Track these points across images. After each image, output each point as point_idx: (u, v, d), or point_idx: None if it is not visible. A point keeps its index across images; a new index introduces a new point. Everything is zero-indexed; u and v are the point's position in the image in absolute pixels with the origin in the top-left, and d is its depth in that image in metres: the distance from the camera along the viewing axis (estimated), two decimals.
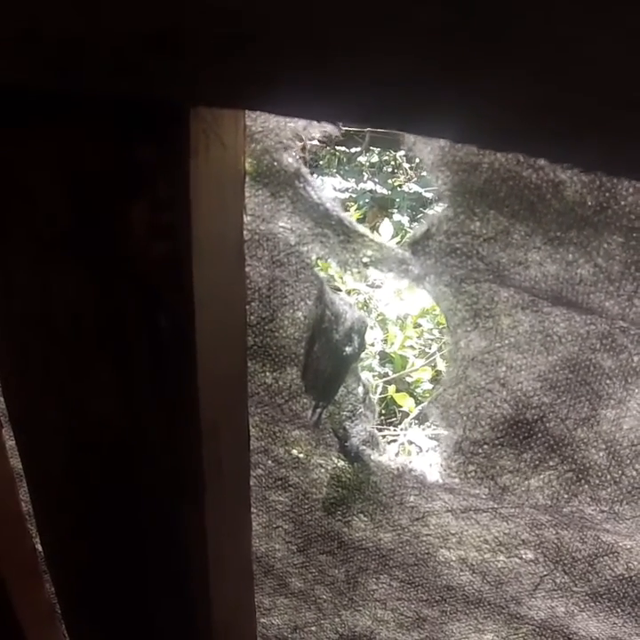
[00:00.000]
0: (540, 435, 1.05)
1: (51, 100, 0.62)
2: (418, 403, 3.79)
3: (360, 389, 1.15)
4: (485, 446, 1.07)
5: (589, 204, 0.88)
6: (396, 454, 3.23)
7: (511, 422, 1.05)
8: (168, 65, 0.52)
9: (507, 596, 1.24)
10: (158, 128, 0.63)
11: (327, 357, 1.09)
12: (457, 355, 1.04)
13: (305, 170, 1.00)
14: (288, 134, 0.97)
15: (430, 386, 3.93)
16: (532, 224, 0.91)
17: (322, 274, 1.32)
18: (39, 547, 1.36)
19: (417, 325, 4.16)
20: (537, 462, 1.07)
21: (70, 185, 0.68)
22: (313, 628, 1.41)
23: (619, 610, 1.20)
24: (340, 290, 3.79)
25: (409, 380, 3.98)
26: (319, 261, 1.07)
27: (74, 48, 0.53)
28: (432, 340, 4.16)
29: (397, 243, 4.04)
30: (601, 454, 1.05)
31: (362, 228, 1.01)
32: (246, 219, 0.98)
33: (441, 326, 4.22)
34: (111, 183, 0.67)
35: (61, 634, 1.52)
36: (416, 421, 3.64)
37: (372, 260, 1.00)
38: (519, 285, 0.95)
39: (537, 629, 1.26)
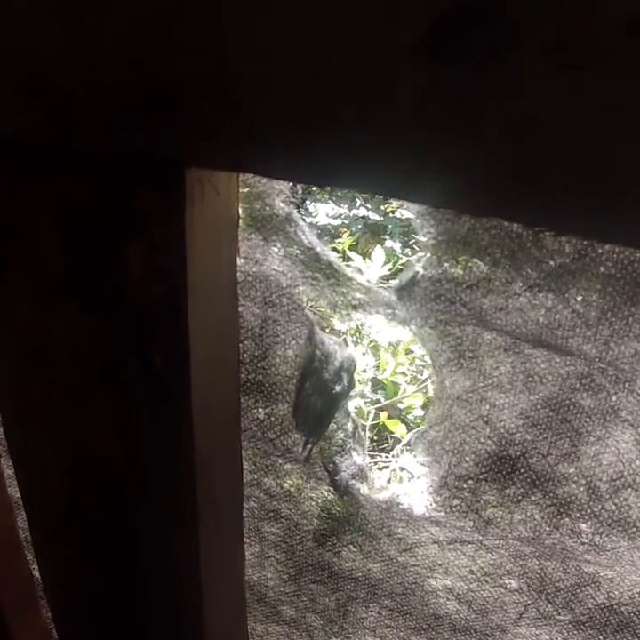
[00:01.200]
0: (522, 470, 1.08)
1: (50, 147, 0.65)
2: (409, 429, 3.76)
3: (350, 425, 1.18)
4: (470, 481, 1.10)
5: (568, 251, 0.91)
6: (388, 481, 3.23)
7: (495, 458, 1.08)
8: (162, 126, 0.54)
9: (492, 625, 1.27)
10: (156, 177, 0.65)
11: (317, 395, 1.12)
12: (442, 393, 1.07)
13: (296, 214, 1.03)
14: (280, 181, 1.01)
15: (422, 412, 3.90)
16: (513, 271, 0.94)
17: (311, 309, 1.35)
18: (36, 573, 1.38)
19: (409, 352, 4.13)
20: (520, 496, 1.10)
21: (69, 227, 0.70)
22: None
23: (601, 637, 1.23)
24: (332, 316, 3.79)
25: (401, 406, 3.96)
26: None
27: (72, 106, 0.55)
28: (424, 366, 4.14)
29: (389, 269, 4.05)
30: (581, 489, 1.08)
31: (351, 272, 1.05)
32: (240, 261, 1.01)
33: None
34: (109, 227, 0.68)
35: None
36: (408, 448, 3.63)
37: (360, 303, 1.04)
38: (501, 329, 0.98)
39: None
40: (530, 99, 0.43)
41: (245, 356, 1.12)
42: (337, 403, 1.13)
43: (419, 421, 3.89)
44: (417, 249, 5.03)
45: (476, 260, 0.94)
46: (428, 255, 0.95)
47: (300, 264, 1.04)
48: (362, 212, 5.42)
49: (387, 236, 5.17)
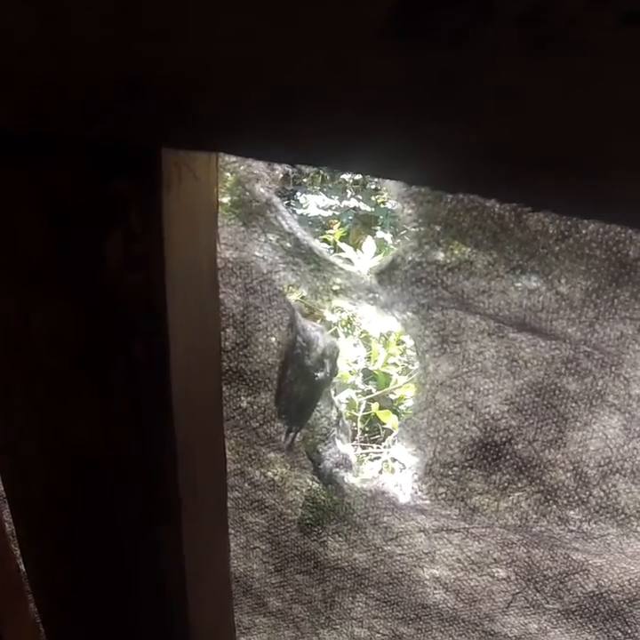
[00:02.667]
0: (508, 457, 1.07)
1: (25, 135, 0.64)
2: (401, 420, 3.78)
3: (333, 413, 1.17)
4: (455, 468, 1.09)
5: (551, 232, 0.90)
6: (380, 472, 3.23)
7: (480, 445, 1.07)
8: (134, 110, 0.53)
9: (480, 614, 1.26)
10: (131, 162, 0.64)
11: (299, 382, 1.11)
12: (426, 379, 1.06)
13: (276, 199, 1.02)
14: (260, 165, 0.99)
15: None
16: (495, 253, 0.93)
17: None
18: (22, 567, 1.37)
19: (400, 342, 4.13)
20: (506, 484, 1.09)
21: (48, 216, 0.69)
22: None
23: (590, 626, 1.22)
24: (323, 307, 3.79)
25: (392, 397, 3.97)
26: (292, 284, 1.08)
27: (45, 93, 0.54)
28: (415, 357, 4.13)
29: (380, 261, 4.05)
30: (568, 475, 1.07)
31: (331, 257, 1.03)
32: (220, 248, 1.00)
33: None
34: (86, 215, 0.68)
35: None
36: (399, 438, 3.62)
37: (341, 288, 1.02)
38: (484, 312, 0.97)
39: None
40: (504, 74, 0.42)
41: (227, 343, 1.10)
42: (319, 390, 1.12)
43: (410, 412, 3.88)
44: (408, 239, 5.01)
45: (457, 242, 0.93)
46: (408, 238, 0.94)
47: (280, 250, 1.03)
48: (352, 203, 5.43)
49: (378, 227, 5.17)
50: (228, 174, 0.99)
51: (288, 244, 1.02)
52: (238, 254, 1.04)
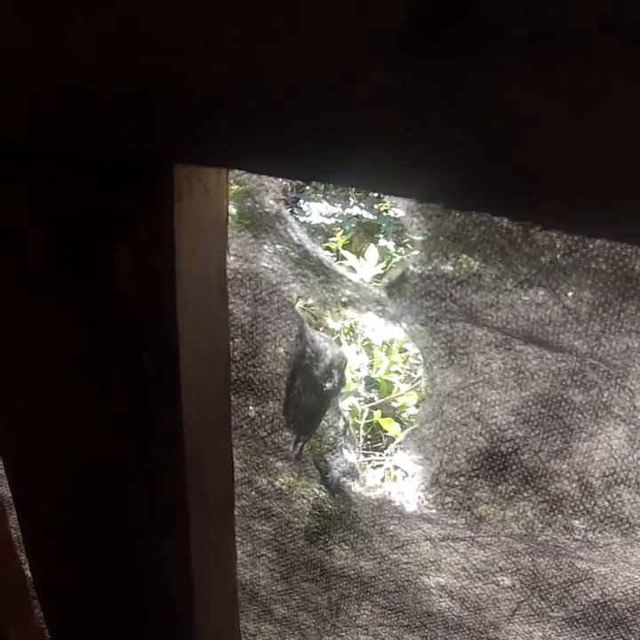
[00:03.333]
0: (514, 467, 1.08)
1: (33, 148, 0.64)
2: (403, 428, 3.75)
3: (340, 422, 1.18)
4: (461, 478, 1.10)
5: (558, 247, 0.91)
6: (382, 479, 3.24)
7: (486, 455, 1.08)
8: (139, 126, 0.54)
9: (485, 622, 1.27)
10: (142, 175, 0.64)
11: (308, 393, 1.11)
12: (433, 390, 1.07)
13: (286, 211, 1.03)
14: (270, 177, 1.00)
15: (416, 411, 3.90)
16: (503, 267, 0.93)
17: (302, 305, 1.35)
18: (28, 572, 1.38)
19: (403, 350, 4.13)
20: (512, 493, 1.10)
21: (55, 227, 0.69)
22: None
23: (594, 634, 1.23)
24: (326, 315, 3.79)
25: (394, 405, 3.96)
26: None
27: (51, 107, 0.55)
28: (417, 365, 4.13)
29: (383, 268, 4.04)
30: (574, 485, 1.08)
31: (341, 269, 1.04)
32: (229, 259, 1.00)
33: None
34: (95, 227, 0.68)
35: None
36: (401, 446, 3.62)
37: (350, 300, 1.03)
38: (492, 325, 0.98)
39: None
40: (509, 94, 0.42)
41: (236, 354, 1.11)
42: (327, 400, 1.13)
43: (412, 420, 3.89)
44: (411, 248, 5.03)
45: (465, 256, 0.94)
46: (418, 251, 0.95)
47: (289, 261, 1.04)
48: (355, 211, 5.42)
49: (380, 235, 5.17)
50: (238, 186, 1.00)
51: (297, 256, 1.03)
52: (248, 265, 1.05)
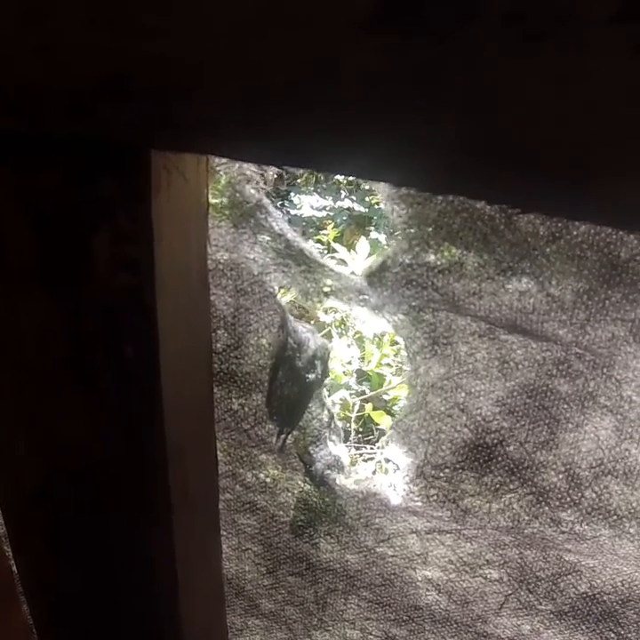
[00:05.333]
0: (500, 458, 1.07)
1: (11, 134, 0.63)
2: (394, 421, 3.75)
3: (325, 414, 1.17)
4: (447, 470, 1.09)
5: (542, 234, 0.90)
6: (373, 472, 3.23)
7: (471, 447, 1.07)
8: (118, 111, 0.53)
9: (473, 615, 1.26)
10: (120, 163, 0.64)
11: (291, 384, 1.10)
12: (416, 381, 1.06)
13: (266, 201, 1.02)
14: (251, 166, 0.99)
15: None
16: (486, 255, 0.92)
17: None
18: (15, 568, 1.37)
19: (394, 343, 4.14)
20: (497, 485, 1.09)
21: (32, 217, 0.69)
22: None
23: (583, 627, 1.22)
24: (317, 308, 3.79)
25: (386, 397, 3.97)
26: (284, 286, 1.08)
27: (29, 92, 0.54)
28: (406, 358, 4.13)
29: (371, 262, 4.06)
30: (560, 477, 1.07)
31: (322, 259, 1.03)
32: (210, 249, 0.99)
33: None
34: (73, 216, 0.68)
35: None
36: (392, 440, 3.61)
37: (332, 290, 1.02)
38: (475, 314, 0.97)
39: None
40: (489, 72, 0.42)
41: (218, 345, 1.10)
42: (311, 391, 1.12)
43: (402, 414, 3.88)
44: (398, 241, 5.01)
45: (447, 243, 0.92)
46: (398, 240, 0.94)
47: (271, 251, 1.02)
48: (346, 203, 5.44)
49: (372, 228, 5.18)
50: (219, 176, 0.99)
51: (279, 246, 1.02)
52: (229, 256, 1.04)
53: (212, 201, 0.98)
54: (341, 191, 5.62)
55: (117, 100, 0.52)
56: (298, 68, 0.45)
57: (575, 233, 0.89)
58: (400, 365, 4.11)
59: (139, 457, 0.84)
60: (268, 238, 1.02)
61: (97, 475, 0.88)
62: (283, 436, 1.15)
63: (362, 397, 3.93)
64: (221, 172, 0.99)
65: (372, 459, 3.48)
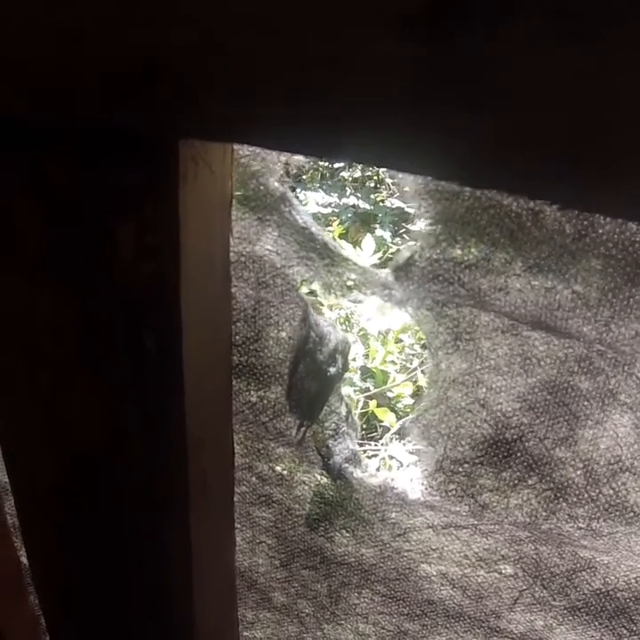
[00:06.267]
0: (519, 454, 1.07)
1: (36, 124, 0.63)
2: (399, 418, 3.77)
3: (343, 408, 1.17)
4: (466, 465, 1.09)
5: (568, 231, 0.90)
6: (377, 469, 3.23)
7: (491, 442, 1.07)
8: (149, 99, 0.53)
9: (486, 610, 1.26)
10: (147, 154, 0.64)
11: (311, 377, 1.11)
12: (438, 376, 1.06)
13: (290, 194, 1.02)
14: (275, 159, 0.99)
15: (411, 401, 3.91)
16: (512, 251, 0.92)
17: (304, 290, 1.34)
18: (24, 559, 1.37)
19: (398, 341, 4.14)
20: (516, 481, 1.09)
21: (55, 208, 0.69)
22: None
23: (596, 623, 1.22)
24: (322, 304, 3.79)
25: (390, 394, 3.97)
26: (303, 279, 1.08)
27: (59, 83, 0.54)
28: (413, 355, 4.14)
29: (379, 258, 4.04)
30: (578, 473, 1.07)
31: (346, 252, 1.03)
32: (233, 241, 0.99)
33: (422, 342, 4.22)
34: (98, 207, 0.68)
35: None
36: (397, 436, 3.63)
37: (355, 284, 1.02)
38: (499, 310, 0.97)
39: None
40: (531, 65, 0.42)
41: (237, 337, 1.10)
42: (331, 385, 1.12)
43: (408, 410, 3.90)
44: (407, 238, 5.05)
45: (474, 239, 0.93)
46: (426, 235, 0.94)
47: (294, 244, 1.03)
48: (352, 200, 5.43)
49: (377, 225, 5.17)
50: (243, 168, 0.99)
51: (302, 239, 1.02)
52: (251, 248, 1.04)
53: (236, 193, 0.98)
54: (347, 188, 5.61)
55: (147, 90, 0.52)
56: (338, 58, 0.45)
57: (600, 231, 0.90)
58: (404, 363, 4.11)
59: (157, 448, 0.84)
60: (292, 231, 1.02)
61: (114, 466, 0.87)
62: (302, 429, 1.15)
63: (366, 394, 3.93)
64: (246, 165, 0.99)
65: (375, 455, 3.48)
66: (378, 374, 4.02)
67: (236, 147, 0.89)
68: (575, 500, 1.09)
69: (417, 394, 3.94)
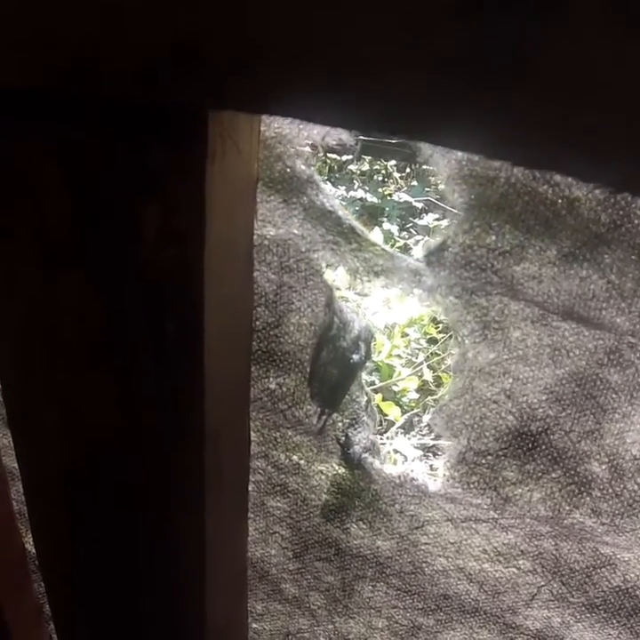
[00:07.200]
0: (543, 447, 1.06)
1: (56, 100, 0.61)
2: (404, 412, 3.78)
3: (363, 398, 1.16)
4: (489, 457, 1.08)
5: (603, 221, 0.89)
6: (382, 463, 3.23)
7: (516, 434, 1.06)
8: (190, 71, 0.52)
9: (503, 606, 1.25)
10: (176, 131, 0.62)
11: (334, 364, 1.09)
12: (464, 366, 1.04)
13: (318, 177, 1.00)
14: (301, 141, 0.97)
15: (416, 395, 3.93)
16: (547, 239, 0.91)
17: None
18: (29, 547, 1.35)
19: (404, 335, 4.15)
20: (540, 474, 1.08)
21: (79, 189, 0.67)
22: (305, 635, 1.41)
23: (614, 621, 1.21)
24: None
25: (395, 388, 3.98)
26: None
27: (86, 53, 0.52)
28: (419, 349, 4.16)
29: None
30: (603, 467, 1.06)
31: (374, 238, 1.02)
32: (256, 224, 0.98)
33: (428, 336, 4.24)
34: (124, 187, 0.66)
35: (48, 634, 1.51)
36: (402, 430, 3.64)
37: (383, 270, 1.01)
38: (531, 299, 0.95)
39: None
40: (587, 49, 0.41)
41: (257, 323, 1.08)
42: (354, 373, 1.11)
43: (413, 404, 3.90)
44: (414, 232, 5.07)
45: (509, 226, 0.91)
46: (459, 220, 0.93)
47: (320, 228, 1.01)
48: (359, 194, 5.43)
49: (384, 219, 5.17)
50: (269, 149, 0.97)
51: (329, 223, 1.01)
52: (276, 231, 1.03)
53: (262, 175, 0.97)
54: (354, 181, 5.62)
55: (181, 61, 0.51)
56: (390, 32, 0.44)
57: (637, 221, 0.88)
58: (410, 357, 4.12)
59: (174, 440, 0.83)
60: (319, 214, 1.00)
61: (129, 454, 0.86)
62: (323, 418, 1.13)
63: (371, 388, 3.92)
64: (272, 146, 0.97)
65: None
66: (383, 368, 4.02)
67: (262, 128, 0.88)
68: (599, 494, 1.08)
69: (422, 388, 3.95)
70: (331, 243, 1.02)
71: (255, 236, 0.95)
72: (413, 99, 0.48)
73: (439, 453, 3.58)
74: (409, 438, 3.52)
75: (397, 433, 3.60)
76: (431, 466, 3.05)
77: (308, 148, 0.98)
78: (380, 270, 1.01)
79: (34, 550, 1.10)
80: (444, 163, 0.90)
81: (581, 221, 0.89)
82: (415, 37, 0.43)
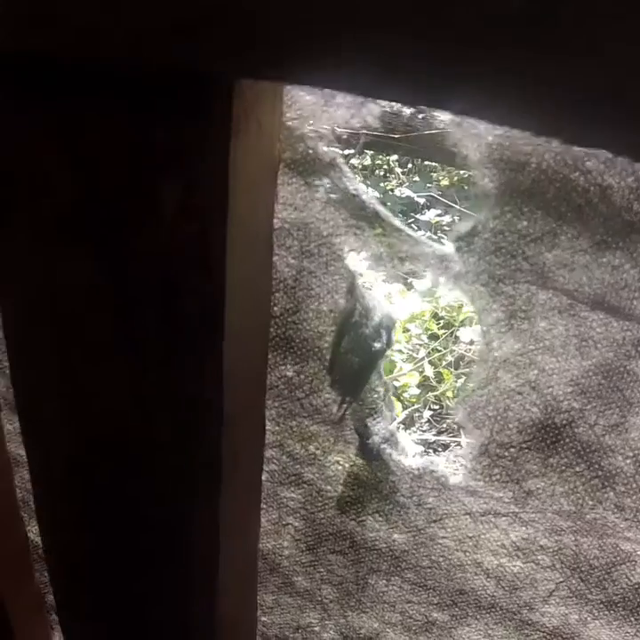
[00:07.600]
0: (567, 440, 1.04)
1: (69, 69, 0.59)
2: (405, 407, 3.79)
3: (382, 387, 1.14)
4: (512, 449, 1.06)
5: (636, 209, 0.87)
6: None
7: (540, 426, 1.04)
8: (215, 35, 0.50)
9: (520, 602, 1.23)
10: (199, 105, 0.61)
11: (356, 352, 1.07)
12: (488, 356, 1.02)
13: (341, 160, 0.98)
14: (324, 123, 0.95)
15: (417, 391, 3.93)
16: (579, 227, 0.90)
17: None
18: (31, 535, 1.34)
19: (406, 330, 4.15)
20: (563, 467, 1.06)
21: (92, 158, 0.66)
22: (316, 629, 1.39)
23: (632, 619, 1.19)
24: None
25: (396, 384, 3.98)
26: None
27: (111, 14, 0.51)
28: (420, 345, 4.16)
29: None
30: (628, 462, 1.04)
31: (399, 223, 1.00)
32: (277, 207, 0.96)
33: (429, 332, 4.23)
34: (141, 160, 0.64)
35: (49, 625, 1.50)
36: (403, 425, 3.63)
37: (408, 256, 0.99)
38: (561, 288, 0.94)
39: (548, 636, 1.24)
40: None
41: (276, 309, 1.06)
42: (375, 360, 1.09)
43: (414, 400, 3.89)
44: (416, 228, 5.06)
45: (540, 212, 0.89)
46: (490, 206, 0.91)
47: (343, 211, 0.99)
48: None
49: None
50: (291, 131, 0.95)
51: (352, 207, 0.99)
52: (297, 215, 1.01)
53: (284, 156, 0.95)
54: (357, 175, 5.61)
55: (217, 27, 0.49)
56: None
57: None
58: (411, 353, 4.11)
59: (191, 423, 0.81)
60: (342, 198, 0.98)
61: (142, 443, 0.84)
62: (344, 406, 1.11)
63: None
64: (294, 128, 0.95)
65: None
66: (385, 363, 4.01)
67: (284, 109, 0.86)
68: (623, 489, 1.06)
69: (423, 384, 3.94)
70: (354, 227, 1.00)
71: (275, 219, 0.93)
72: (449, 65, 0.47)
73: (439, 450, 3.58)
74: (410, 434, 3.51)
75: (398, 428, 3.59)
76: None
77: (330, 130, 0.96)
78: (405, 256, 0.99)
79: (37, 540, 1.08)
80: (473, 146, 0.88)
81: (614, 209, 0.88)
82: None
